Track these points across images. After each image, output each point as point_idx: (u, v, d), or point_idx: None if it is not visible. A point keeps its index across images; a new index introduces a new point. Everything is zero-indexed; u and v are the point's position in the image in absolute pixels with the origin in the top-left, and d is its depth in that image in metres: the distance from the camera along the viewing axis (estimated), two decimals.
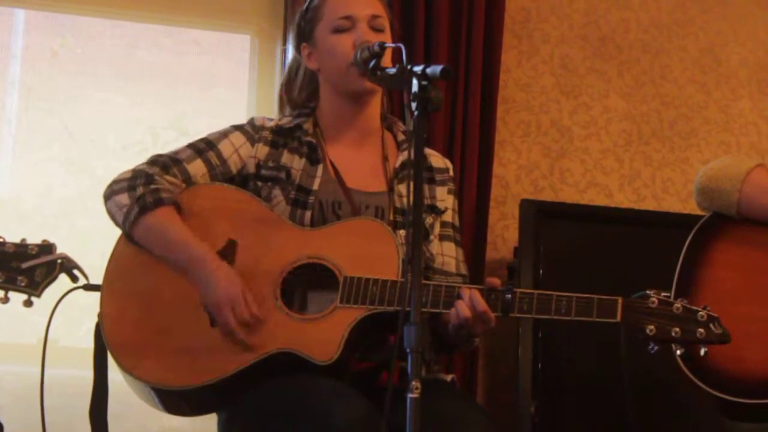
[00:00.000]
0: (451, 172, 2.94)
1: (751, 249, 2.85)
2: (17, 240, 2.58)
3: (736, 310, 2.70)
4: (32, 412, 2.76)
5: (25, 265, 2.54)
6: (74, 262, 2.59)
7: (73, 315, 3.47)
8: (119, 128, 4.04)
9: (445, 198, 2.88)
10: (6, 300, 2.54)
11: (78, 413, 2.81)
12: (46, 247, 2.57)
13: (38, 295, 2.54)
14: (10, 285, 2.53)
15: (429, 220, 2.81)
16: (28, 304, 2.55)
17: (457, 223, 2.91)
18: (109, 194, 2.70)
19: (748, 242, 2.86)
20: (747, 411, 2.71)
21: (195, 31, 4.20)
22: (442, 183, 2.89)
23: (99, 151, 4.01)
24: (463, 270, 2.87)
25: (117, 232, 2.72)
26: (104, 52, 4.09)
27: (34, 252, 2.55)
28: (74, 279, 2.60)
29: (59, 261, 2.56)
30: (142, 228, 2.64)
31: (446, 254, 2.85)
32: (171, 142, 3.98)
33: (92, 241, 2.96)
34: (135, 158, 2.75)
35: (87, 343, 2.72)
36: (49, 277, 2.55)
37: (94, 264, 2.70)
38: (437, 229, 2.84)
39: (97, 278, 2.67)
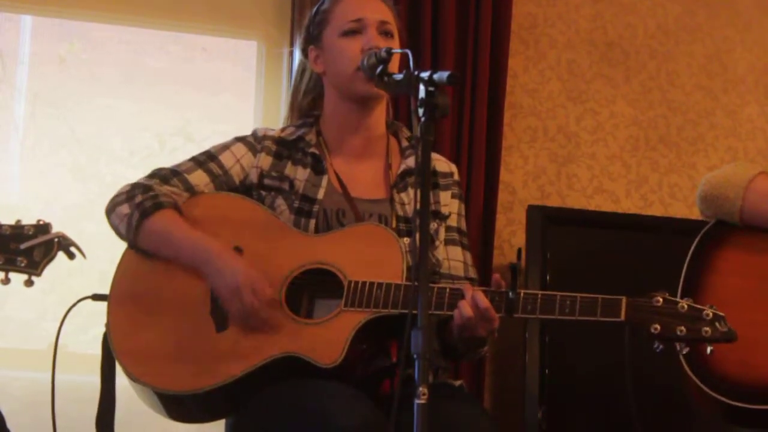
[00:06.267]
0: (456, 177, 2.92)
1: (755, 256, 2.85)
2: (12, 222, 2.59)
3: (741, 315, 2.69)
4: (41, 417, 2.77)
5: (23, 246, 2.56)
6: (71, 239, 2.60)
7: (79, 321, 3.48)
8: (126, 134, 4.04)
9: (449, 202, 2.86)
10: (7, 281, 2.56)
11: (86, 419, 2.81)
12: (43, 227, 2.59)
13: (38, 274, 2.57)
14: (11, 266, 2.55)
15: (433, 225, 2.80)
16: (29, 283, 2.57)
17: (463, 227, 2.90)
18: (111, 208, 2.72)
19: (752, 249, 2.85)
20: (752, 416, 2.71)
21: (202, 38, 4.21)
22: (446, 187, 2.88)
23: (106, 157, 4.02)
24: (472, 274, 2.85)
25: None
26: (111, 58, 4.10)
27: (30, 232, 2.57)
28: (71, 256, 2.61)
29: (56, 239, 2.58)
30: (145, 233, 2.65)
31: (452, 258, 2.84)
32: (178, 148, 3.99)
33: (100, 247, 2.95)
34: (142, 164, 2.77)
35: (94, 349, 2.72)
36: (48, 255, 2.57)
37: (103, 270, 2.70)
38: (442, 235, 2.83)
39: (105, 285, 2.68)
